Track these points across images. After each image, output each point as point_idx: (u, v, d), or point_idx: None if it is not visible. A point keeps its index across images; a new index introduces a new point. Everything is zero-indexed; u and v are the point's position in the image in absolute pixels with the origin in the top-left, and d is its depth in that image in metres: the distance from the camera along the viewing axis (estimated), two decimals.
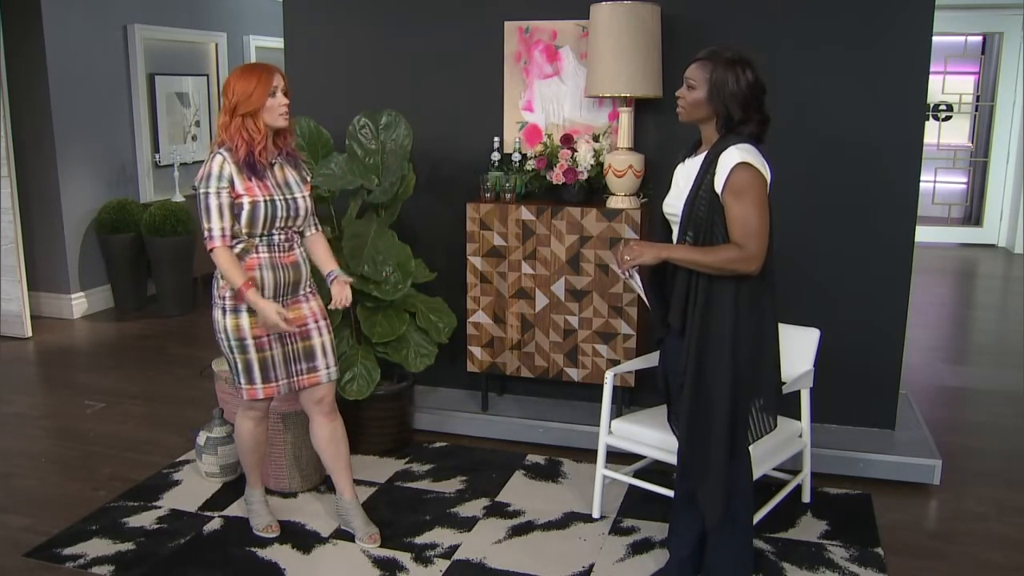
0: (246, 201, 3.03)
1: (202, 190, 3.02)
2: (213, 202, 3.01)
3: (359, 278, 3.92)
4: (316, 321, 3.28)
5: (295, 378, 3.26)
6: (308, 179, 3.31)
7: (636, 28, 3.84)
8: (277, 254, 3.15)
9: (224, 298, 3.11)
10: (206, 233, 3.02)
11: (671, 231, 2.85)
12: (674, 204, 2.78)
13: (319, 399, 3.33)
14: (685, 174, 2.78)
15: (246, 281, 3.02)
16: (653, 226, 4.14)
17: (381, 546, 3.39)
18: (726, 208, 2.63)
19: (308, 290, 3.30)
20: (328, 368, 3.31)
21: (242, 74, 3.06)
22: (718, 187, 2.62)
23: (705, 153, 2.70)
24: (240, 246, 3.09)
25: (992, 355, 6.06)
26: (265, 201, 3.07)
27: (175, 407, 4.84)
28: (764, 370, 2.78)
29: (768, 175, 2.66)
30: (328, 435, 3.39)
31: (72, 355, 5.85)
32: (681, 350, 2.75)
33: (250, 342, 3.13)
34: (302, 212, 3.21)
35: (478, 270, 4.24)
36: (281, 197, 3.12)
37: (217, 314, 3.15)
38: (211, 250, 3.03)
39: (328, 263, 3.35)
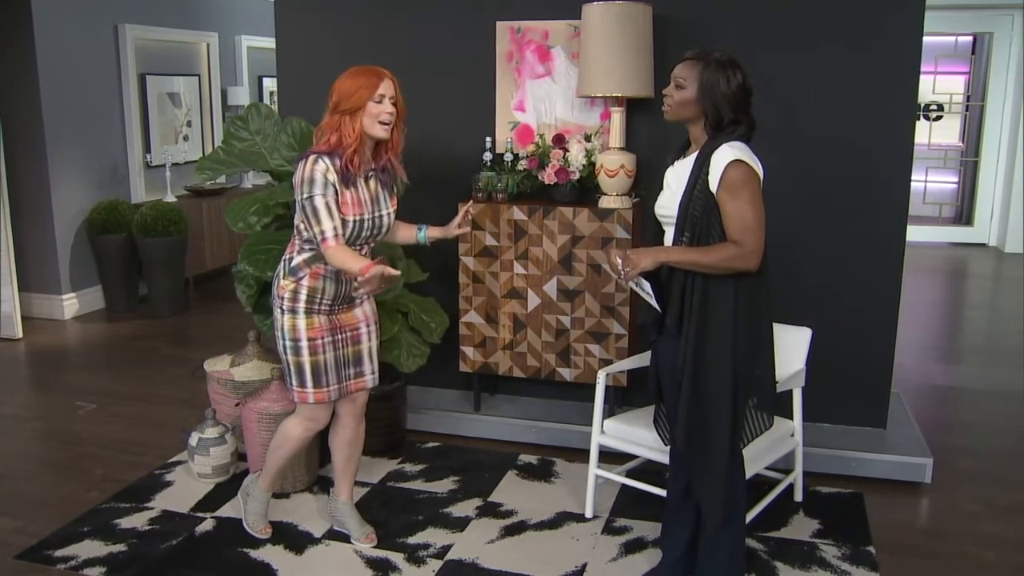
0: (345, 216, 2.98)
1: (306, 194, 2.92)
2: (320, 203, 2.92)
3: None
4: (368, 325, 3.27)
5: (345, 383, 3.23)
6: (396, 193, 3.23)
7: (628, 28, 3.84)
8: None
9: (283, 298, 3.09)
10: (319, 236, 2.93)
11: (663, 233, 2.85)
12: (666, 206, 2.78)
13: (354, 400, 3.32)
14: (676, 176, 2.77)
15: (368, 263, 2.89)
16: (646, 226, 4.16)
17: (374, 546, 3.39)
18: (721, 206, 2.63)
19: (363, 296, 3.27)
20: (373, 373, 3.31)
21: (352, 73, 2.99)
22: (712, 186, 2.62)
23: (696, 153, 2.69)
24: (311, 252, 3.05)
25: (983, 354, 6.08)
26: (355, 220, 3.00)
27: (167, 408, 4.83)
28: (760, 369, 2.79)
29: (761, 171, 2.67)
30: (351, 438, 3.38)
31: (63, 356, 5.83)
32: (678, 351, 2.75)
33: (304, 344, 3.10)
34: (385, 229, 3.16)
35: (470, 270, 4.24)
36: (370, 215, 3.06)
37: (276, 313, 3.13)
38: (325, 250, 2.94)
39: (411, 228, 3.35)
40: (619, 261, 2.73)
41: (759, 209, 2.63)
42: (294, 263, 3.08)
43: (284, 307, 3.10)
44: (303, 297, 3.08)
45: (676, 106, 2.71)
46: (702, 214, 2.64)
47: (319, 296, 3.09)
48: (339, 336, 3.18)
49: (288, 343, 3.11)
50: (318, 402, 3.19)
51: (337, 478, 3.47)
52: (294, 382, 3.16)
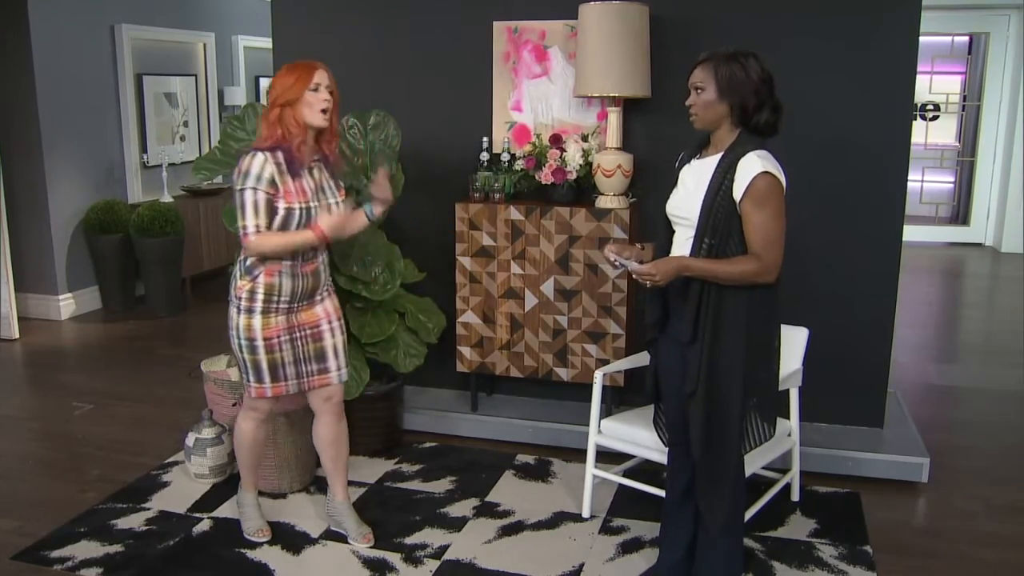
0: (281, 207, 2.99)
1: (239, 187, 2.98)
2: (250, 197, 2.96)
3: (348, 278, 3.91)
4: (330, 322, 3.28)
5: (305, 379, 3.25)
6: (342, 184, 3.27)
7: (625, 28, 3.84)
8: (299, 263, 3.12)
9: (240, 298, 3.11)
10: (241, 230, 2.99)
11: (672, 232, 2.81)
12: (681, 207, 2.73)
13: (328, 397, 3.33)
14: (694, 176, 2.72)
15: (313, 227, 2.98)
16: (651, 227, 4.16)
17: (372, 547, 3.39)
18: (744, 217, 2.60)
19: (325, 292, 3.29)
20: (339, 369, 3.31)
21: (287, 67, 3.05)
22: (736, 194, 2.58)
23: (720, 156, 2.65)
24: None
25: (980, 353, 6.09)
26: (300, 208, 3.03)
27: (164, 408, 4.82)
28: (770, 376, 2.77)
29: (784, 182, 2.64)
30: (333, 435, 3.39)
31: (60, 356, 5.82)
32: (688, 359, 2.71)
33: (260, 343, 3.12)
34: None
35: (467, 270, 4.24)
36: (316, 204, 3.08)
37: (232, 311, 3.15)
38: (246, 245, 2.99)
39: (359, 212, 3.32)
40: (612, 256, 2.72)
41: (782, 223, 2.61)
42: (249, 262, 3.11)
43: (241, 307, 3.12)
44: (260, 296, 3.10)
45: (702, 111, 2.66)
46: (724, 221, 2.61)
47: (276, 294, 3.11)
48: (297, 334, 3.20)
49: (244, 342, 3.13)
50: (275, 396, 3.23)
51: (329, 478, 3.48)
52: (251, 378, 3.19)
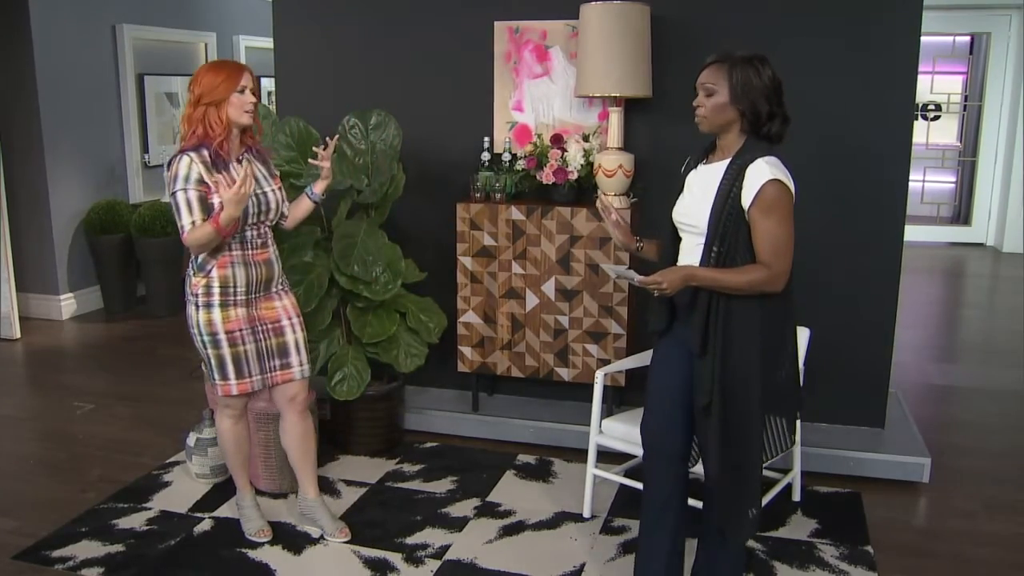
0: (216, 201, 3.03)
1: (172, 190, 3.04)
2: (182, 197, 3.01)
3: (348, 278, 3.92)
4: (290, 318, 3.31)
5: (268, 374, 3.28)
6: (276, 173, 3.33)
7: (626, 28, 3.84)
8: (249, 251, 3.17)
9: (197, 295, 3.14)
10: (180, 231, 3.03)
11: (679, 238, 2.76)
12: (688, 213, 2.68)
13: (292, 396, 3.35)
14: (700, 182, 2.67)
15: (212, 218, 2.99)
16: (652, 227, 4.16)
17: (373, 547, 3.39)
18: (752, 224, 2.55)
19: (281, 287, 3.33)
20: (302, 365, 3.34)
21: (212, 67, 3.11)
22: (745, 201, 2.53)
23: (727, 162, 2.59)
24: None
25: (981, 354, 6.09)
26: None
27: (165, 408, 4.82)
28: (789, 381, 2.73)
29: (793, 189, 2.60)
30: (300, 433, 3.42)
31: (61, 356, 5.83)
32: (699, 371, 2.63)
33: (222, 337, 3.15)
34: (273, 206, 3.23)
35: (468, 270, 4.24)
36: (251, 193, 3.12)
37: (190, 310, 3.17)
38: (186, 242, 3.04)
39: (303, 197, 3.42)
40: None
41: (790, 231, 2.56)
42: (200, 259, 3.14)
43: (199, 303, 3.14)
44: (216, 290, 3.13)
45: (710, 114, 2.59)
46: (732, 229, 2.56)
47: (232, 285, 3.14)
48: (259, 328, 3.23)
49: (206, 338, 3.16)
50: (241, 393, 3.24)
51: (299, 476, 3.50)
52: (216, 376, 3.21)
